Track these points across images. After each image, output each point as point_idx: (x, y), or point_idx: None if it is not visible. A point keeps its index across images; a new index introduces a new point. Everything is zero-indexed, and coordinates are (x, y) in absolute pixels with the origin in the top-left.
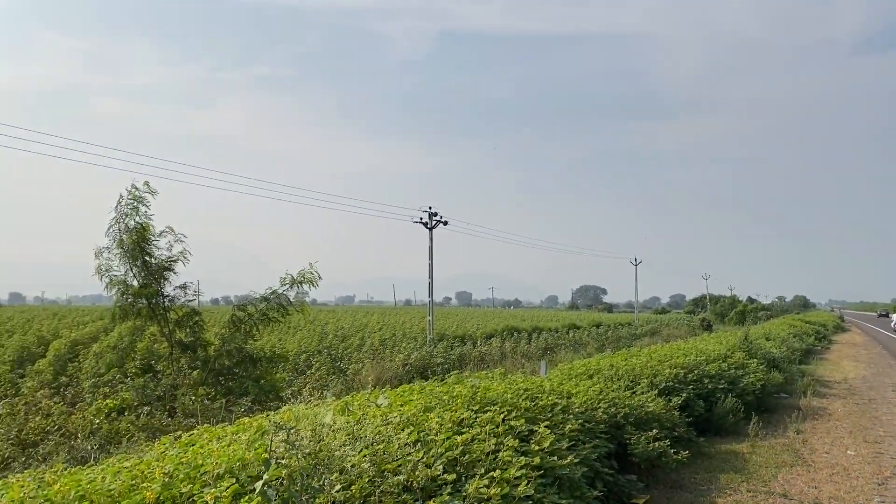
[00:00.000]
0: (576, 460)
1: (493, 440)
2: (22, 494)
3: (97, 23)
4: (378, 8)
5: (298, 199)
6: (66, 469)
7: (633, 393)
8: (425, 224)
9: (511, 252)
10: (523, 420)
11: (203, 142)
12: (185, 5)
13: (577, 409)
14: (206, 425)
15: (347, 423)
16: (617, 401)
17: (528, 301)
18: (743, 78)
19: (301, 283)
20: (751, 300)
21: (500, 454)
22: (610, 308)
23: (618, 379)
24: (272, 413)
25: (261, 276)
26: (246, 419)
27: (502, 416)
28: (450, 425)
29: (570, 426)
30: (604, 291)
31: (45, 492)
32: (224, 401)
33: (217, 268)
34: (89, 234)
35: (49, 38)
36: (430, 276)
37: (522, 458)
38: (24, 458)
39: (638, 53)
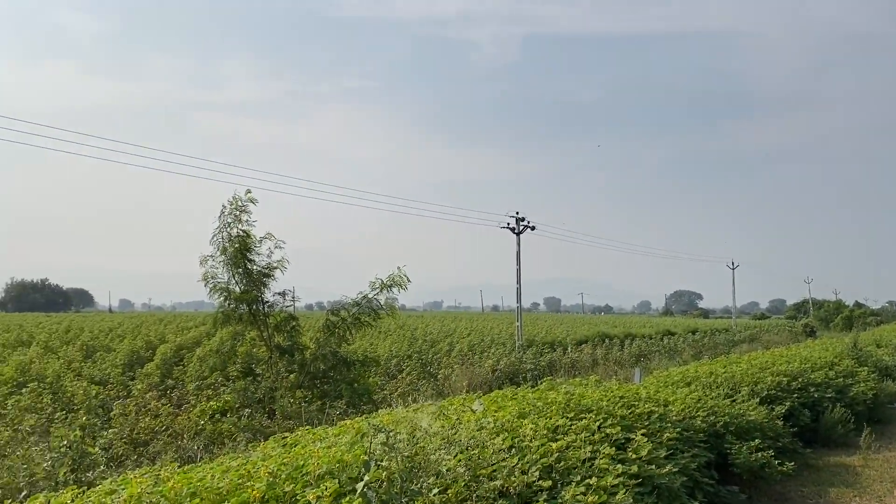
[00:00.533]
0: (675, 469)
1: (589, 447)
2: (140, 490)
3: (196, 43)
4: (462, 15)
5: (387, 207)
6: (177, 467)
7: (733, 401)
8: (512, 229)
9: (601, 257)
10: (619, 428)
11: (296, 152)
12: (277, 23)
13: (674, 418)
14: (307, 427)
15: (443, 427)
16: (716, 409)
17: (620, 307)
18: (847, 73)
19: (391, 286)
20: (858, 305)
21: (597, 462)
22: (706, 314)
23: (716, 387)
24: (371, 416)
25: (351, 282)
26: (346, 421)
27: (598, 423)
28: (544, 432)
29: (667, 434)
30: (699, 296)
31: (160, 488)
32: (320, 403)
33: (309, 274)
34: (191, 244)
35: (153, 58)
36: (518, 282)
37: (619, 465)
38: (135, 457)
39: (732, 51)
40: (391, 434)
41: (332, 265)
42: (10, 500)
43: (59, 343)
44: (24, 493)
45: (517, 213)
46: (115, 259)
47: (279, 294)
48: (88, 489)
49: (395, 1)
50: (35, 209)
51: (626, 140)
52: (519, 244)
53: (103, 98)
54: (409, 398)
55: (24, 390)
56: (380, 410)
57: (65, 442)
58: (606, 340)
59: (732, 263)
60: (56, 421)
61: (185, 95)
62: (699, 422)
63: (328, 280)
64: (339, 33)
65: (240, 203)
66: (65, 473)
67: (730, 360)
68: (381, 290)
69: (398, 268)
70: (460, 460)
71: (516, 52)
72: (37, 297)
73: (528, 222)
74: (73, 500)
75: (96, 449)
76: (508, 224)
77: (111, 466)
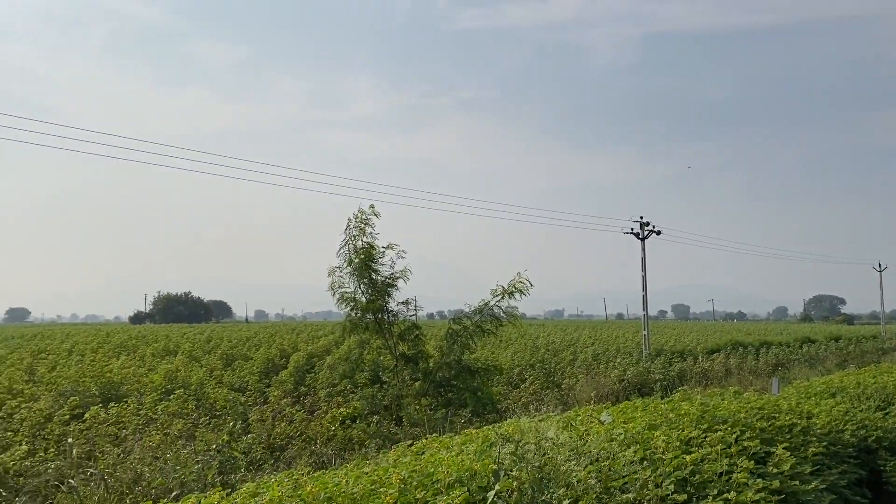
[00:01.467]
0: (821, 486)
1: (726, 461)
2: (280, 493)
3: (320, 64)
4: (579, 19)
5: (506, 216)
6: (311, 472)
7: (886, 414)
8: (637, 235)
9: (733, 261)
10: (758, 441)
11: (414, 164)
12: (395, 41)
13: (819, 431)
14: (434, 435)
15: (571, 438)
16: (867, 423)
17: (753, 313)
18: None
19: (512, 293)
20: None
21: (734, 476)
22: (850, 320)
23: (866, 398)
24: (496, 425)
25: (472, 291)
26: (472, 431)
27: (734, 435)
28: (677, 444)
29: (812, 449)
30: (842, 301)
31: (298, 492)
32: (445, 411)
33: (430, 284)
34: (319, 257)
35: (282, 80)
36: (644, 289)
37: (759, 480)
38: (272, 461)
39: (871, 37)
40: (520, 444)
41: (452, 275)
42: (164, 500)
43: (202, 352)
44: (175, 493)
45: (641, 217)
46: (250, 272)
47: (402, 303)
48: (232, 491)
49: (509, 10)
50: (178, 227)
51: (760, 138)
52: (644, 250)
53: (236, 120)
54: (533, 408)
55: (171, 396)
56: (505, 419)
57: (213, 446)
58: (740, 349)
59: (880, 265)
60: (200, 426)
61: (309, 115)
62: (847, 436)
63: (449, 290)
64: (456, 46)
65: (364, 216)
66: (213, 476)
67: (880, 369)
68: (502, 297)
69: (518, 273)
70: (590, 472)
71: (636, 53)
72: (181, 309)
73: (654, 227)
74: (219, 502)
75: (238, 452)
76: (632, 229)
77: (251, 470)
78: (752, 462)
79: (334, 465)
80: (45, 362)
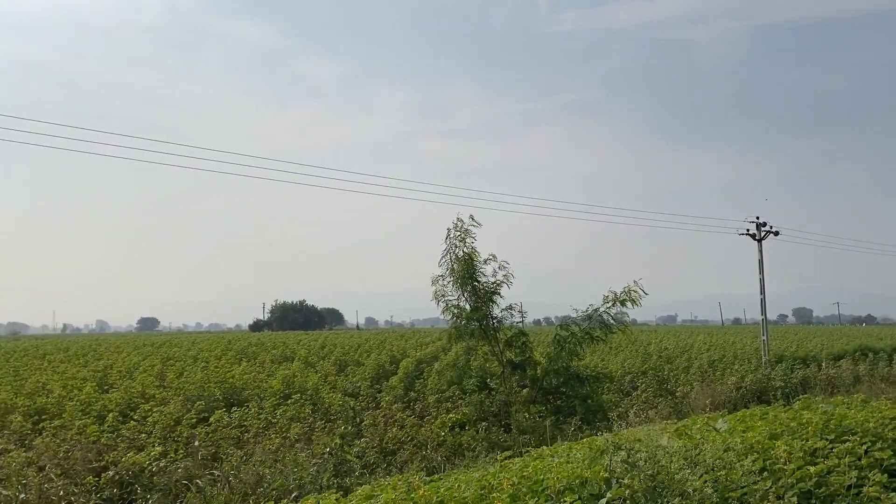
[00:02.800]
0: None
1: (855, 473)
2: (394, 496)
3: (421, 74)
4: (683, 14)
5: (615, 218)
6: (423, 476)
7: None
8: (753, 236)
9: (860, 261)
10: (891, 452)
11: (519, 171)
12: (496, 47)
13: None
14: (550, 444)
15: (684, 446)
16: None
17: (885, 317)
18: None
19: (624, 301)
20: None
21: (865, 489)
22: None
23: None
24: (607, 433)
25: (579, 297)
26: (587, 439)
27: (864, 447)
28: (800, 454)
29: None
30: None
31: (412, 496)
32: (554, 418)
33: (537, 290)
34: (425, 264)
35: (383, 92)
36: (762, 293)
37: (893, 494)
38: (385, 465)
39: None
40: (631, 452)
41: (561, 280)
42: (284, 501)
43: (317, 358)
44: (294, 495)
45: (757, 217)
46: (360, 280)
47: (507, 309)
48: (347, 493)
49: (612, 9)
50: (292, 238)
51: (887, 129)
52: (761, 251)
53: (344, 133)
54: (644, 416)
55: (289, 401)
56: (614, 428)
57: (327, 449)
58: (870, 355)
59: None
60: (317, 430)
61: (411, 125)
62: None
63: (556, 295)
64: (557, 50)
65: (463, 226)
66: (328, 478)
67: None
68: (613, 304)
69: (634, 281)
70: (706, 481)
71: (745, 46)
72: (296, 316)
73: (771, 227)
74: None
75: (352, 456)
76: (748, 230)
77: (365, 473)
78: (885, 475)
79: (444, 470)
80: (173, 369)
